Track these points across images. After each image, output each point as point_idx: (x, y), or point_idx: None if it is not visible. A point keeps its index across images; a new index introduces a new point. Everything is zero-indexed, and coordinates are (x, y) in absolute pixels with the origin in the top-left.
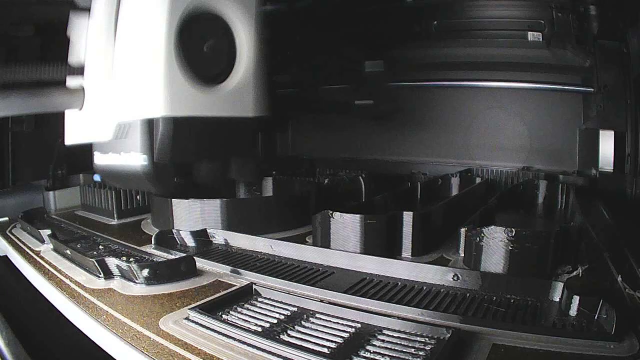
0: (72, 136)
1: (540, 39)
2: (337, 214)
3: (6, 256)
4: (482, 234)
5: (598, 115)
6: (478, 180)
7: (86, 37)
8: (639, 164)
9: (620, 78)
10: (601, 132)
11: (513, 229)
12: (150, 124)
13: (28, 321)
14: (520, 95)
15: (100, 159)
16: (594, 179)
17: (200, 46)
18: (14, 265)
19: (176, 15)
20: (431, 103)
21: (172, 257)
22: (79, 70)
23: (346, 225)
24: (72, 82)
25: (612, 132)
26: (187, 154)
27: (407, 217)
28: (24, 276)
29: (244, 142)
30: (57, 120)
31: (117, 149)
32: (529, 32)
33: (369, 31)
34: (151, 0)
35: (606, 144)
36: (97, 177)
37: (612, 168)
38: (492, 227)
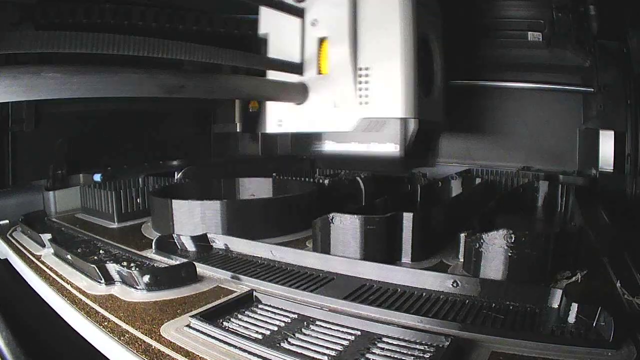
0: (289, 126)
1: (540, 39)
2: (337, 219)
3: (7, 259)
4: (481, 240)
5: (598, 115)
6: (478, 180)
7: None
8: (639, 164)
9: (620, 78)
10: (601, 132)
11: (512, 235)
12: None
13: (28, 322)
14: (520, 95)
15: (335, 147)
16: (594, 179)
17: (422, 63)
18: (15, 269)
19: (414, 37)
20: None
21: (173, 262)
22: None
23: (346, 230)
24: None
25: (612, 132)
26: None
27: (407, 217)
28: (24, 279)
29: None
30: (57, 121)
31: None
32: (529, 32)
33: None
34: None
35: (606, 144)
36: (97, 178)
37: (612, 168)
38: (492, 233)
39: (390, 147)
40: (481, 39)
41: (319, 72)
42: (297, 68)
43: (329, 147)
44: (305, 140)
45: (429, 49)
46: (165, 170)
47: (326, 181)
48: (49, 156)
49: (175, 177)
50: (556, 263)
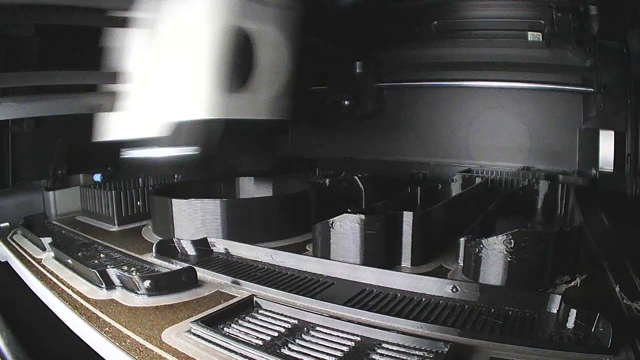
0: (116, 133)
1: (540, 39)
2: (337, 224)
3: (7, 262)
4: (481, 245)
5: (598, 115)
6: (478, 180)
7: (125, 46)
8: (639, 164)
9: (620, 78)
10: (601, 132)
11: (512, 240)
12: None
13: (29, 324)
14: (520, 95)
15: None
16: (594, 179)
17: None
18: (15, 271)
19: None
20: (431, 103)
21: (174, 266)
22: (116, 77)
23: (346, 235)
24: (108, 87)
25: (612, 132)
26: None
27: (407, 215)
28: (25, 282)
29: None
30: (56, 121)
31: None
32: (529, 32)
33: (367, 31)
34: (199, 19)
35: (606, 144)
36: (97, 178)
37: (612, 168)
38: (492, 238)
39: (189, 150)
40: (480, 39)
41: (130, 80)
42: (110, 77)
43: (136, 154)
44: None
45: (248, 42)
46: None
47: (327, 181)
48: (49, 156)
49: (175, 177)
50: (556, 267)
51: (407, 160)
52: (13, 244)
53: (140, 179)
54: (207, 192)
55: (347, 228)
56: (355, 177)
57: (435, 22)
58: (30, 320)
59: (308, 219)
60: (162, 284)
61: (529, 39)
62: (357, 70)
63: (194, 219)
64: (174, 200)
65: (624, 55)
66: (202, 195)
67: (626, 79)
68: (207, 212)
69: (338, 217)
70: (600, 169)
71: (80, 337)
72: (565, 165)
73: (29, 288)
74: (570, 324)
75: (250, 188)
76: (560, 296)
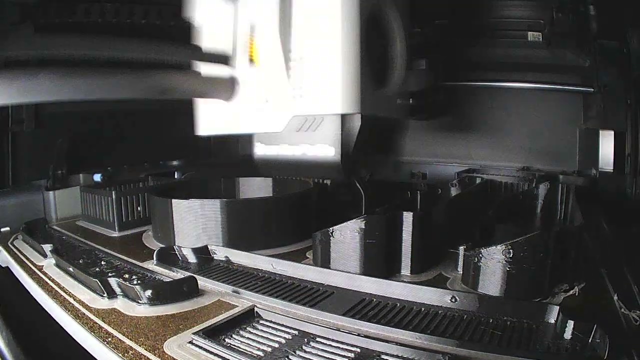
0: (219, 126)
1: (540, 39)
2: (337, 233)
3: (8, 267)
4: (480, 255)
5: (598, 115)
6: (478, 180)
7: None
8: (639, 164)
9: (620, 78)
10: (601, 132)
11: (511, 250)
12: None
13: (29, 326)
14: (520, 95)
15: (265, 150)
16: (594, 179)
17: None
18: (16, 277)
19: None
20: None
21: (175, 274)
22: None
23: (346, 244)
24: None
25: (612, 132)
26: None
27: (407, 217)
28: (26, 288)
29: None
30: (57, 121)
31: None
32: (529, 32)
33: None
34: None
35: (606, 144)
36: (97, 177)
37: (612, 168)
38: (491, 248)
39: (325, 150)
40: (480, 39)
41: (250, 64)
42: (224, 59)
43: (258, 151)
44: (235, 143)
45: (385, 29)
46: (165, 170)
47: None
48: (49, 156)
49: (175, 177)
50: (555, 275)
51: (407, 160)
52: (14, 249)
53: (141, 184)
54: (206, 192)
55: (347, 237)
56: (355, 180)
57: (434, 22)
58: (30, 322)
59: (309, 222)
60: (163, 294)
61: (529, 39)
62: None
63: (195, 219)
64: (174, 201)
65: (624, 55)
66: (201, 195)
67: (626, 79)
68: (207, 211)
69: (338, 226)
70: (600, 169)
71: (84, 346)
72: (565, 165)
73: (30, 294)
74: (567, 334)
75: (250, 188)
76: (558, 307)
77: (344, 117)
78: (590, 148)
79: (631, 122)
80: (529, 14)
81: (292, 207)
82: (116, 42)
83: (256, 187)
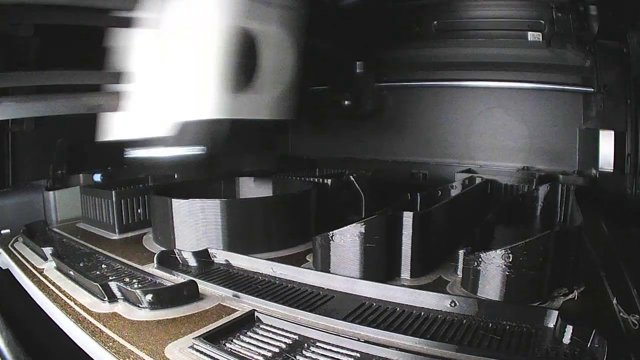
0: (119, 133)
1: (540, 39)
2: (337, 237)
3: (8, 269)
4: (479, 259)
5: (598, 115)
6: (478, 180)
7: (130, 47)
8: (639, 164)
9: (620, 78)
10: (601, 132)
11: (510, 255)
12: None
13: (30, 328)
14: (520, 95)
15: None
16: (594, 179)
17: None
18: (16, 279)
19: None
20: (431, 103)
21: (175, 277)
22: (120, 77)
23: (347, 248)
24: (110, 87)
25: (612, 132)
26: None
27: (407, 217)
28: (26, 290)
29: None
30: (57, 121)
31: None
32: (529, 32)
33: (368, 31)
34: (204, 19)
35: (606, 144)
36: (97, 177)
37: (612, 168)
38: (490, 252)
39: (194, 150)
40: (480, 39)
41: (143, 80)
42: (112, 77)
43: (140, 153)
44: (122, 148)
45: (252, 43)
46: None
47: (329, 181)
48: (49, 156)
49: (175, 177)
50: (554, 278)
51: (407, 160)
52: (14, 252)
53: (141, 184)
54: (207, 193)
55: (347, 241)
56: (353, 180)
57: (435, 22)
58: (31, 325)
59: (308, 223)
60: (164, 298)
61: (529, 39)
62: (358, 70)
63: (194, 219)
64: (174, 200)
65: (624, 55)
66: (201, 195)
67: (626, 79)
68: (208, 211)
69: (338, 230)
70: (600, 169)
71: (86, 350)
72: (565, 165)
73: (31, 297)
74: (566, 339)
75: (250, 188)
76: (557, 312)
77: (207, 121)
78: (590, 148)
79: (631, 122)
80: (529, 14)
81: (292, 207)
82: (56, 73)
83: (255, 188)
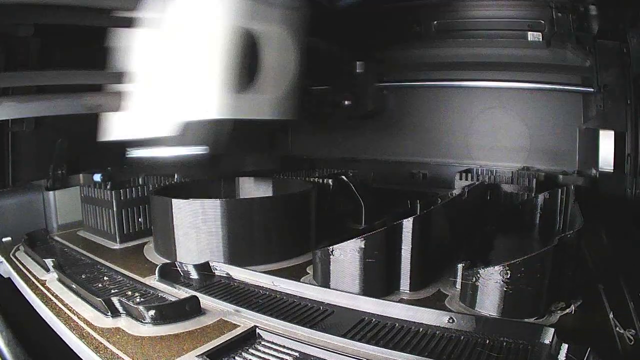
0: (120, 133)
1: (540, 39)
2: (337, 252)
3: (9, 278)
4: (478, 275)
5: (598, 115)
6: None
7: (130, 47)
8: (639, 164)
9: (620, 78)
10: (601, 132)
11: (508, 271)
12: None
13: (31, 330)
14: (520, 95)
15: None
16: (594, 179)
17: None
18: (18, 289)
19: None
20: (431, 103)
21: (177, 291)
22: (121, 77)
23: (347, 262)
24: (111, 87)
25: (612, 132)
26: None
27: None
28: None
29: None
30: (57, 121)
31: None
32: (529, 32)
33: (368, 31)
34: (205, 19)
35: (606, 144)
36: (97, 177)
37: (612, 168)
38: (488, 268)
39: (196, 150)
40: (480, 39)
41: (147, 81)
42: (113, 77)
43: (142, 153)
44: (124, 148)
45: (254, 43)
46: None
47: (330, 181)
48: (49, 156)
49: (176, 177)
50: (552, 291)
51: (407, 160)
52: (16, 262)
53: (139, 179)
54: (207, 193)
55: (347, 256)
56: (350, 183)
57: (435, 22)
58: (33, 334)
59: (308, 233)
60: (166, 314)
61: (529, 39)
62: (358, 70)
63: (195, 219)
64: (174, 201)
65: (624, 55)
66: (201, 196)
67: (626, 79)
68: (208, 211)
69: (338, 245)
70: (600, 169)
71: None
72: (565, 165)
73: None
74: (562, 356)
75: (250, 188)
76: (552, 330)
77: (209, 121)
78: (590, 148)
79: (631, 122)
80: (529, 14)
81: (293, 209)
82: (56, 73)
83: (255, 188)
